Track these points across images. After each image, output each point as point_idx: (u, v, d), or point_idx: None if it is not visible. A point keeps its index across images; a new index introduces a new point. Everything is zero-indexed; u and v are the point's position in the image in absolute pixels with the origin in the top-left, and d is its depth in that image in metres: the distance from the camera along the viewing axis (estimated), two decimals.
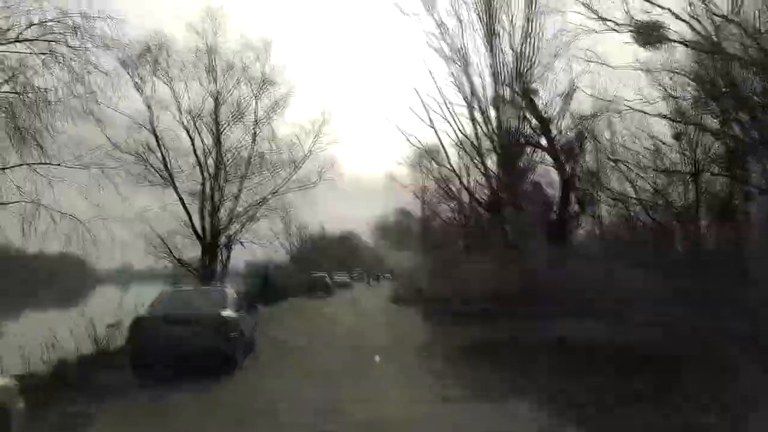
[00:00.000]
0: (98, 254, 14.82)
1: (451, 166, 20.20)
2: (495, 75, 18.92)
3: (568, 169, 22.21)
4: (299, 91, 36.52)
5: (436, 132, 20.39)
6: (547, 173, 21.74)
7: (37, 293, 39.10)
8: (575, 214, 23.61)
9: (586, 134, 21.88)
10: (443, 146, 21.05)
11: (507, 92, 19.91)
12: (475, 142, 19.61)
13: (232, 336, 9.46)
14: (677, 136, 20.23)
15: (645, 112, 17.52)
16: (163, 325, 9.09)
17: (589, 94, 18.38)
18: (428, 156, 36.76)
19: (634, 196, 20.87)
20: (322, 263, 48.72)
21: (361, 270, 65.63)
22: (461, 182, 22.27)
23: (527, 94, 21.30)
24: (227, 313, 9.67)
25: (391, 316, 22.89)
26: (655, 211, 21.26)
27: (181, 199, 23.76)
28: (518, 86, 20.77)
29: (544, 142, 22.08)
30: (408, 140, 21.28)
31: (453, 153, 23.07)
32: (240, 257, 38.60)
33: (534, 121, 21.51)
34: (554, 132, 21.67)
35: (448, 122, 19.82)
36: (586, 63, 16.60)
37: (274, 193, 24.72)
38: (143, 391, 8.59)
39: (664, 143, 19.60)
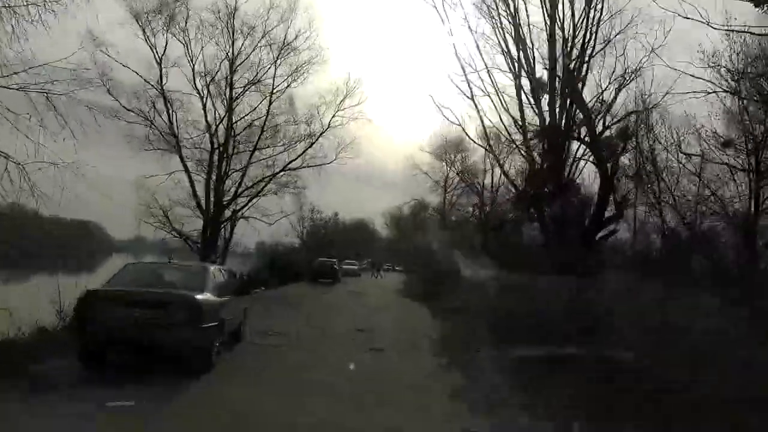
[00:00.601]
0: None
1: (490, 146, 17.86)
2: (551, 47, 16.57)
3: (609, 167, 20.02)
4: (327, 60, 34.43)
5: (475, 104, 17.99)
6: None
7: (51, 258, 37.98)
8: (613, 218, 21.42)
9: (631, 130, 19.68)
10: (483, 122, 18.65)
11: (559, 70, 17.58)
12: (520, 122, 17.29)
13: (207, 326, 7.57)
14: (727, 143, 18.13)
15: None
16: (119, 307, 7.21)
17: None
18: (462, 136, 35.06)
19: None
20: (333, 250, 46.89)
21: (372, 260, 63.83)
22: (501, 167, 19.93)
23: (572, 80, 19.07)
24: (204, 296, 7.76)
25: (402, 311, 20.92)
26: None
27: (185, 166, 22.14)
28: (564, 68, 18.51)
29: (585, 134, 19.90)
30: (443, 115, 18.86)
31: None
32: (251, 237, 37.10)
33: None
34: (601, 125, 19.44)
35: (490, 97, 17.50)
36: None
37: (285, 168, 22.88)
38: (73, 394, 6.52)
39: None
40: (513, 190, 21.83)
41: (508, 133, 18.15)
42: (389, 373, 9.32)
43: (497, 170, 34.17)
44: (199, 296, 7.66)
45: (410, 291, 30.50)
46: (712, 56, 15.44)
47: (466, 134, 19.33)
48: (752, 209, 17.95)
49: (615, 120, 19.49)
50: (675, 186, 19.89)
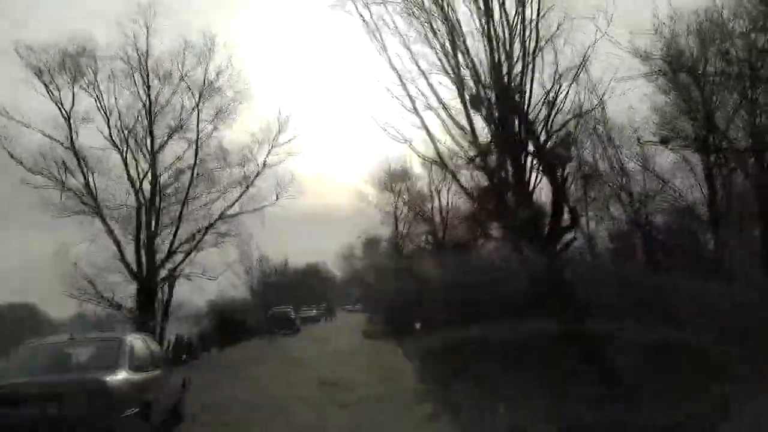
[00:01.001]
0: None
1: (442, 161, 16.53)
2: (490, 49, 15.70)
3: (558, 175, 19.45)
4: (252, 99, 32.95)
5: (420, 117, 16.81)
6: None
7: None
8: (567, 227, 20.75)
9: (573, 137, 19.27)
10: (430, 135, 17.48)
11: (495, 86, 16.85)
12: (470, 135, 16.21)
13: (124, 415, 5.76)
14: (665, 140, 18.07)
15: None
16: (2, 408, 5.34)
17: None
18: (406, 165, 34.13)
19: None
20: (288, 298, 44.51)
21: (328, 304, 61.50)
22: (457, 181, 18.85)
23: (509, 93, 18.42)
24: (115, 377, 5.94)
25: (373, 355, 19.10)
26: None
27: (108, 228, 19.83)
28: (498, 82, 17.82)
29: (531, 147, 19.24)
30: (387, 133, 17.55)
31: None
32: (201, 296, 34.53)
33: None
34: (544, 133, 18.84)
35: (435, 111, 16.37)
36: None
37: (221, 216, 20.99)
38: None
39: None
40: (473, 205, 20.79)
41: (459, 146, 17.12)
42: None
43: (444, 194, 33.66)
44: (108, 377, 5.84)
45: (375, 330, 28.80)
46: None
47: (415, 152, 18.01)
48: (707, 192, 17.74)
49: (560, 126, 18.96)
50: (627, 182, 19.67)
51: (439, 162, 16.60)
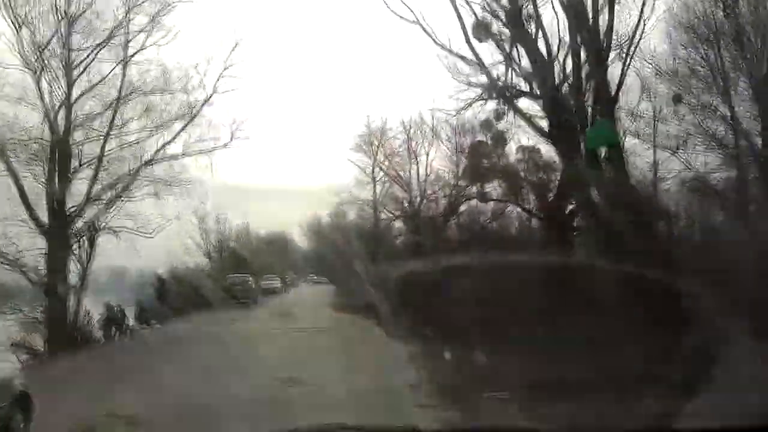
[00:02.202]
0: None
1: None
2: None
3: None
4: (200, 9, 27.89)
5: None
6: None
7: None
8: None
9: None
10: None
11: None
12: None
13: None
14: (677, 98, 14.73)
15: None
16: None
17: None
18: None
19: None
20: (250, 267, 40.03)
21: (294, 274, 57.29)
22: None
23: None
24: None
25: (348, 338, 15.20)
26: None
27: (8, 164, 15.25)
28: None
29: None
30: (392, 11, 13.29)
31: None
32: (148, 261, 30.10)
33: None
34: None
35: None
36: None
37: (159, 151, 16.48)
38: None
39: None
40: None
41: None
42: None
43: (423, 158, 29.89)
44: None
45: (346, 303, 24.99)
46: None
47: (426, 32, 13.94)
48: None
49: None
50: None
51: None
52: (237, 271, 34.24)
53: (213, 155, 17.63)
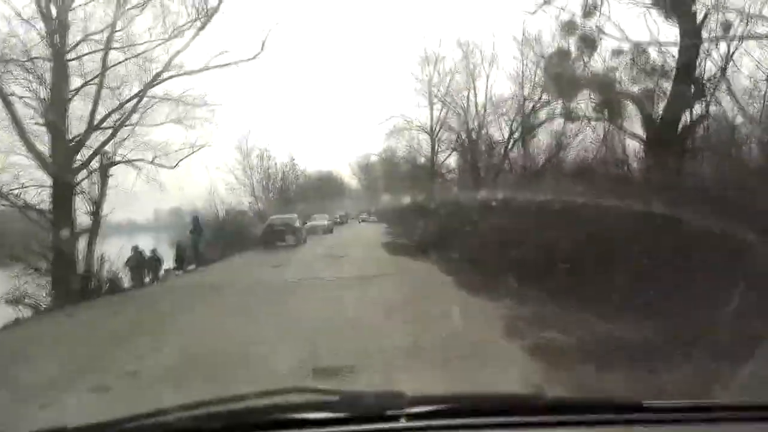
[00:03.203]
0: None
1: None
2: None
3: None
4: None
5: None
6: None
7: None
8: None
9: None
10: None
11: None
12: None
13: None
14: None
15: None
16: None
17: None
18: None
19: None
20: (297, 206, 37.85)
21: (347, 212, 55.16)
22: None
23: None
24: None
25: (406, 284, 12.28)
26: None
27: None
28: None
29: None
30: None
31: None
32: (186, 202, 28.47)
33: None
34: None
35: None
36: None
37: (170, 62, 13.57)
38: None
39: None
40: None
41: None
42: None
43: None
44: None
45: (399, 245, 22.25)
46: None
47: None
48: None
49: None
50: None
51: None
52: (284, 211, 32.04)
53: (238, 69, 14.57)
